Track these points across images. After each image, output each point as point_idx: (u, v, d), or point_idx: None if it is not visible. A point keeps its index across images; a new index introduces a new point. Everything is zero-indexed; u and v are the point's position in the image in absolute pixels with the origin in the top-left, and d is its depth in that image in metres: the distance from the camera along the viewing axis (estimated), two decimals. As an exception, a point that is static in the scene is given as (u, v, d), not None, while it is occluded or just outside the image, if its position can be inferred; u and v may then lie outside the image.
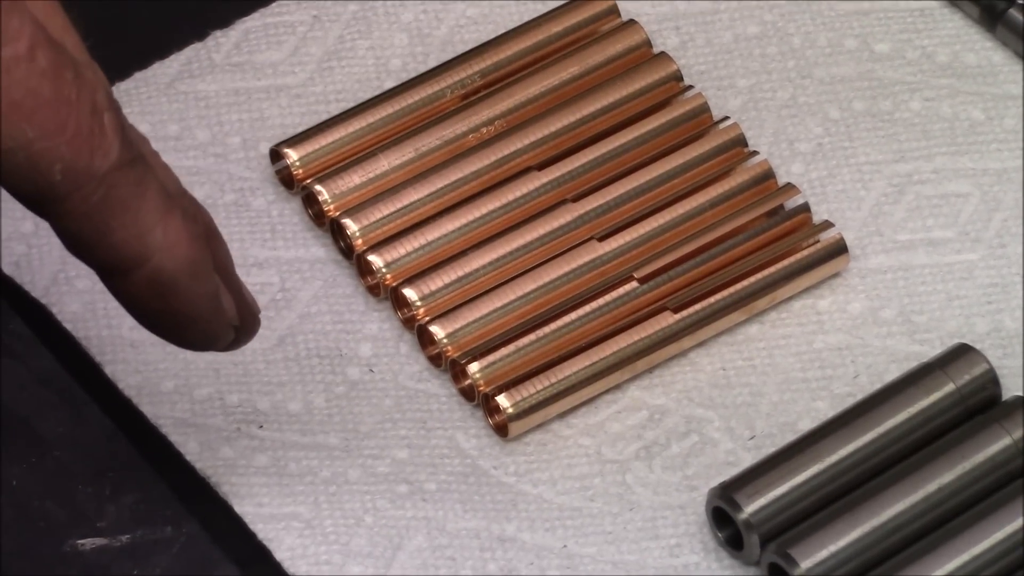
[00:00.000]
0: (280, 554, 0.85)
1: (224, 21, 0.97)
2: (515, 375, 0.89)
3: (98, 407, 0.88)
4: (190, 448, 0.87)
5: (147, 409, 0.88)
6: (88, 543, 0.85)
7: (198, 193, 0.91)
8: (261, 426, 0.88)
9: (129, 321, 0.86)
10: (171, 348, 0.86)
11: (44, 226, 0.86)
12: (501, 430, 0.89)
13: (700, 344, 0.91)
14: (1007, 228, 0.94)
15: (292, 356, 0.90)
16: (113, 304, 0.84)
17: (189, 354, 0.87)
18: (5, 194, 0.73)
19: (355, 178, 0.94)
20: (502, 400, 0.88)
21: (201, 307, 0.78)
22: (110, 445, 0.87)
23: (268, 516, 0.86)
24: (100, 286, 0.87)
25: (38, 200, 0.74)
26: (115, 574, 0.85)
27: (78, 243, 0.75)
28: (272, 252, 0.94)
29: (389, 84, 0.97)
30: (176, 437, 0.87)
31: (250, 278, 0.91)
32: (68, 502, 0.86)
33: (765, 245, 0.92)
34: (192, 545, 0.85)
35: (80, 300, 0.91)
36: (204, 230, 0.77)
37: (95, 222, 0.75)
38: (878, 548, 0.84)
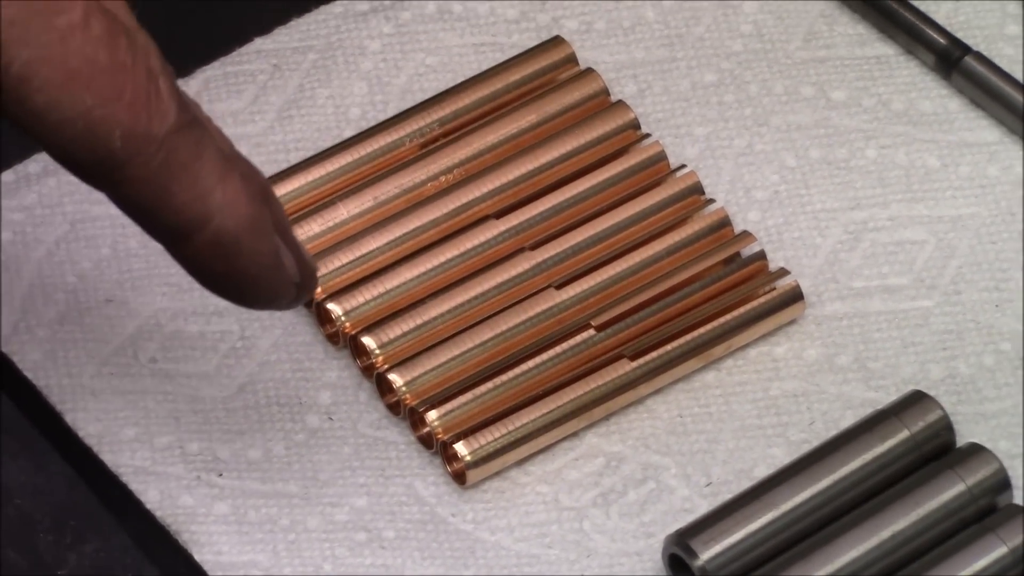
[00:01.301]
0: None
1: (184, 70, 0.97)
2: (473, 423, 0.90)
3: (59, 455, 0.89)
4: (150, 496, 0.88)
5: (107, 457, 0.88)
6: (58, 578, 0.86)
7: (154, 243, 0.91)
8: (221, 474, 0.88)
9: (90, 369, 0.88)
10: (131, 396, 0.87)
11: (4, 279, 0.87)
12: (459, 478, 0.89)
13: (657, 391, 0.92)
14: (962, 275, 0.95)
15: (252, 404, 0.91)
16: (73, 352, 0.85)
17: (150, 402, 0.88)
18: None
19: (314, 226, 0.94)
20: (460, 448, 0.88)
21: (263, 265, 0.78)
22: (71, 493, 0.88)
23: (228, 564, 0.86)
24: (60, 334, 0.88)
25: (98, 169, 0.74)
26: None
27: (139, 209, 0.76)
28: (231, 301, 0.93)
29: (349, 133, 0.98)
30: (136, 485, 0.88)
31: (210, 326, 0.92)
32: (30, 550, 0.87)
33: (721, 293, 0.93)
34: None
35: (40, 349, 0.91)
36: (260, 190, 0.77)
37: (156, 187, 0.74)
38: None
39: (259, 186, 0.78)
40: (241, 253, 0.76)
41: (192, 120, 0.75)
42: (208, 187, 0.75)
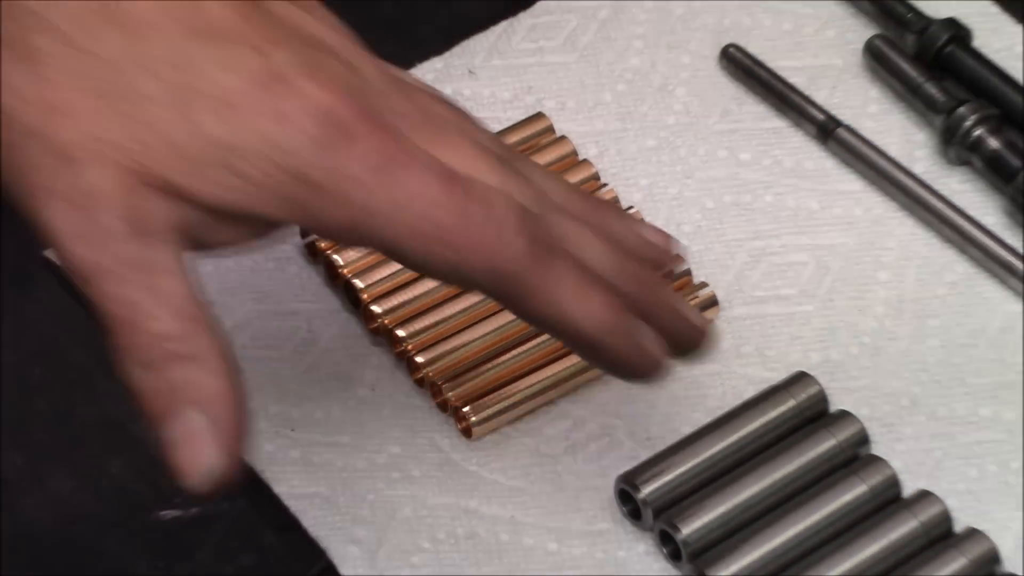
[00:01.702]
0: (306, 522, 0.85)
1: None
2: (477, 392, 0.90)
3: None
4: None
5: None
6: (167, 514, 0.87)
7: (247, 261, 0.93)
8: (293, 429, 0.89)
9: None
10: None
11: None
12: (467, 433, 0.90)
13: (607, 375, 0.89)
14: (834, 287, 0.95)
15: (316, 379, 0.91)
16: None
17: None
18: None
19: (361, 250, 0.93)
20: (468, 411, 0.90)
21: (626, 354, 0.73)
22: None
23: (298, 495, 0.87)
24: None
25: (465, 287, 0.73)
26: (186, 537, 0.85)
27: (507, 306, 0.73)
28: (301, 304, 0.94)
29: None
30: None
31: (285, 323, 0.92)
32: (154, 483, 0.87)
33: (659, 299, 0.93)
34: (242, 517, 0.87)
35: None
36: (613, 299, 0.72)
37: (520, 301, 0.71)
38: (739, 519, 0.86)
39: (613, 296, 0.72)
40: (604, 349, 0.72)
41: (544, 248, 0.69)
42: (564, 304, 0.70)
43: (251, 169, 0.66)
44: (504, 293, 0.71)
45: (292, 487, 0.87)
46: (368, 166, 0.66)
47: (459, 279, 0.71)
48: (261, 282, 0.84)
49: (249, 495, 0.87)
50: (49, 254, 0.93)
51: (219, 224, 0.68)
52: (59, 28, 0.65)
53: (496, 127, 0.99)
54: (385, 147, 0.67)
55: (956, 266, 0.96)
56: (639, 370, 0.76)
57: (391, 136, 0.68)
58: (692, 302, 0.93)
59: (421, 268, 0.71)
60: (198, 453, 0.67)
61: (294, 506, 0.86)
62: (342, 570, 0.84)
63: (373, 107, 0.68)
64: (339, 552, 0.85)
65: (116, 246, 0.65)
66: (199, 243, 0.68)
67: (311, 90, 0.66)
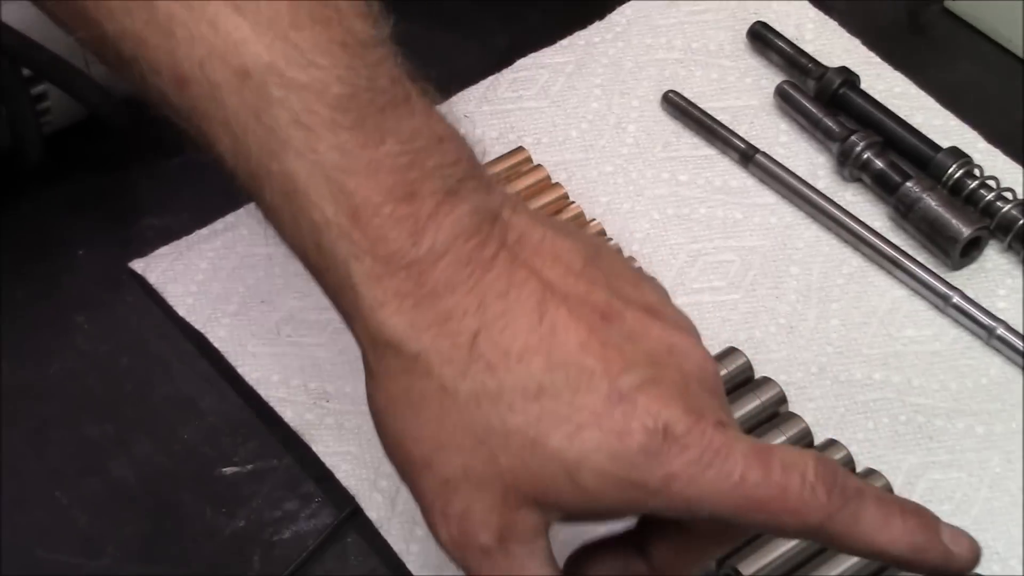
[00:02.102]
0: (339, 475, 0.83)
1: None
2: None
3: (234, 392, 0.87)
4: (287, 415, 0.85)
5: (262, 391, 0.86)
6: (228, 470, 0.84)
7: (291, 267, 0.90)
8: (328, 400, 0.86)
9: (253, 341, 0.86)
10: (277, 356, 0.85)
11: (207, 288, 0.85)
12: None
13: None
14: (756, 280, 0.93)
15: (347, 360, 0.87)
16: (244, 331, 0.82)
17: (287, 359, 0.86)
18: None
19: None
20: None
21: (939, 563, 0.64)
22: (241, 414, 0.86)
23: (332, 453, 0.84)
24: (236, 321, 0.86)
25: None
26: (243, 490, 0.84)
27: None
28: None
29: None
30: (279, 407, 0.86)
31: (322, 316, 0.89)
32: (217, 446, 0.85)
33: (617, 292, 0.91)
34: (289, 471, 0.84)
35: (224, 329, 0.89)
36: (919, 518, 0.64)
37: (826, 543, 0.64)
38: None
39: (918, 516, 0.64)
40: (915, 563, 0.64)
41: (843, 494, 0.62)
42: (870, 536, 0.62)
43: (590, 481, 0.60)
44: (815, 538, 0.64)
45: (327, 447, 0.84)
46: (690, 462, 0.60)
47: (774, 533, 0.67)
48: (302, 284, 0.81)
49: (293, 454, 0.85)
50: (134, 265, 0.91)
51: (580, 518, 0.63)
52: (433, 371, 0.61)
53: (485, 159, 0.95)
54: (708, 443, 0.60)
55: (852, 261, 0.94)
56: (951, 569, 0.66)
57: (712, 429, 0.61)
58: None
59: (737, 525, 0.64)
60: None
61: (329, 462, 0.83)
62: (368, 513, 0.82)
63: (698, 407, 0.62)
64: (365, 498, 0.82)
65: (487, 557, 0.62)
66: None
67: (651, 406, 0.60)
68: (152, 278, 0.91)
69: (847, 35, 1.04)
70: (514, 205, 0.63)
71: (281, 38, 0.59)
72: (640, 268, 0.67)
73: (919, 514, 0.64)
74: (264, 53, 0.59)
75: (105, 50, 0.62)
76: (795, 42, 1.02)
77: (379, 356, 0.62)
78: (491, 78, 1.02)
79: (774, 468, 0.61)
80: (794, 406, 0.86)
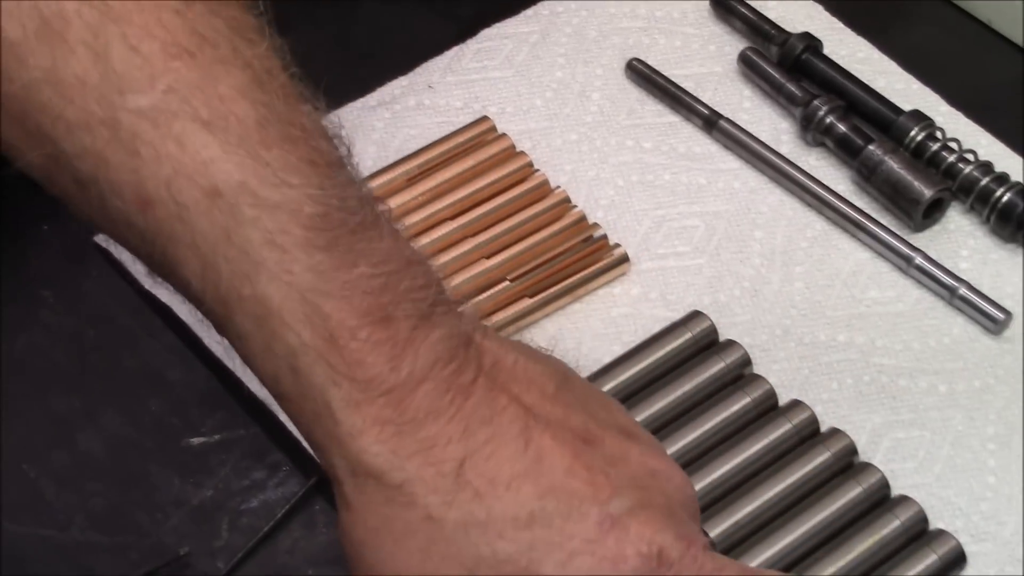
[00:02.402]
0: (305, 443, 0.80)
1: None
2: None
3: (201, 363, 0.87)
4: (254, 385, 0.82)
5: (228, 362, 0.85)
6: (195, 441, 0.85)
7: None
8: None
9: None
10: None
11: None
12: None
13: (546, 316, 0.90)
14: (721, 245, 0.93)
15: None
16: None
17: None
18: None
19: None
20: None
21: None
22: (208, 384, 0.87)
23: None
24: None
25: None
26: (211, 460, 0.84)
27: None
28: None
29: (365, 174, 0.93)
30: (245, 378, 0.82)
31: None
32: (184, 417, 0.85)
33: (583, 258, 0.91)
34: (256, 440, 0.85)
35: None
36: None
37: None
38: (648, 430, 0.81)
39: None
40: None
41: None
42: None
43: None
44: None
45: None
46: None
47: None
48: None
49: (260, 424, 0.85)
50: (99, 239, 0.91)
51: None
52: (418, 500, 0.58)
53: (450, 129, 0.97)
54: (700, 568, 0.60)
55: (815, 224, 0.94)
56: None
57: (703, 555, 0.61)
58: (608, 259, 0.91)
59: None
60: None
61: (295, 430, 0.79)
62: None
63: (686, 531, 0.61)
64: None
65: None
66: None
67: (644, 532, 0.59)
68: (117, 252, 0.90)
69: (810, 1, 1.04)
70: (483, 330, 0.62)
71: (252, 156, 0.57)
72: (603, 392, 0.69)
73: None
74: (235, 172, 0.57)
75: (59, 172, 0.60)
76: (758, 8, 1.02)
77: (358, 486, 0.59)
78: (456, 48, 1.02)
79: None
80: (759, 368, 0.86)
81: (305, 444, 0.78)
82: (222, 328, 0.61)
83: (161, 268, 0.61)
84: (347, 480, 0.60)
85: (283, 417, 0.80)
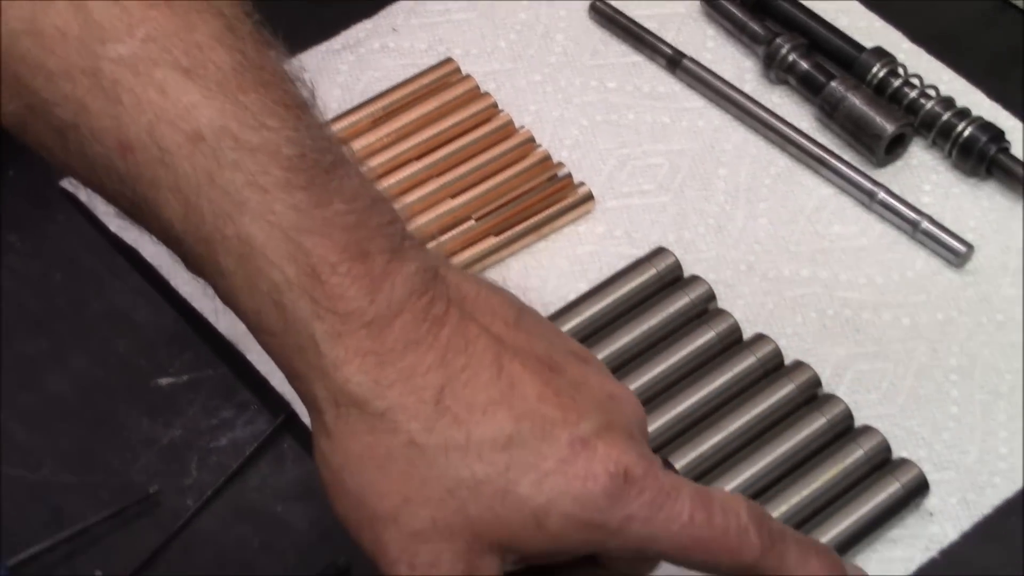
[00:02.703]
0: (274, 382, 0.83)
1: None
2: None
3: (168, 304, 0.87)
4: (221, 325, 0.86)
5: (195, 303, 0.87)
6: (164, 381, 0.85)
7: None
8: None
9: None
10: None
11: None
12: None
13: (512, 254, 0.90)
14: (685, 183, 0.93)
15: None
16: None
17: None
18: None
19: None
20: None
21: None
22: (176, 325, 0.87)
23: (267, 360, 0.78)
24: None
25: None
26: (180, 400, 0.84)
27: None
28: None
29: (331, 115, 0.94)
30: (213, 318, 0.86)
31: None
32: (152, 358, 0.86)
33: (548, 196, 0.91)
34: (224, 380, 0.85)
35: (158, 243, 0.87)
36: (830, 559, 0.67)
37: None
38: (613, 363, 0.84)
39: (828, 556, 0.67)
40: None
41: (771, 537, 0.65)
42: (793, 573, 0.65)
43: (555, 525, 0.62)
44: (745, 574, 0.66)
45: (261, 355, 0.78)
46: (646, 503, 0.63)
47: (711, 572, 0.67)
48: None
49: (227, 362, 0.85)
50: (65, 184, 0.91)
51: (523, 561, 0.65)
52: (400, 427, 0.61)
53: (414, 71, 0.97)
54: (660, 486, 0.63)
55: (779, 161, 0.94)
56: None
57: (662, 473, 0.64)
58: (574, 197, 0.91)
59: (677, 563, 0.67)
60: None
61: (264, 369, 0.83)
62: (303, 418, 0.80)
63: (646, 452, 0.65)
64: (301, 405, 0.81)
65: None
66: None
67: (611, 452, 0.62)
68: (83, 196, 0.90)
69: (772, -60, 1.04)
70: (446, 263, 0.65)
71: (231, 101, 0.59)
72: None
73: (829, 554, 0.68)
74: (216, 116, 0.59)
75: (35, 121, 0.61)
76: (720, -52, 1.02)
77: (341, 415, 0.62)
78: (419, -9, 1.02)
79: (715, 511, 0.64)
80: (723, 303, 0.87)
81: (273, 384, 0.81)
82: (201, 268, 0.62)
83: (139, 211, 0.62)
84: (329, 410, 0.62)
85: (251, 357, 0.83)
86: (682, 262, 0.88)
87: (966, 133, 0.92)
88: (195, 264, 0.62)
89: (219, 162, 0.59)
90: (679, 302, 0.86)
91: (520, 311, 0.66)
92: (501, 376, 0.62)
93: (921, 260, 0.89)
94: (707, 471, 0.80)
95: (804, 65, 0.96)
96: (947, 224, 0.90)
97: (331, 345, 0.61)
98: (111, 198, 0.63)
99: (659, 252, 0.88)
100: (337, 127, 0.93)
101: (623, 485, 0.62)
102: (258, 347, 0.80)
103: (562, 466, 0.62)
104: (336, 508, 0.64)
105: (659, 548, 0.64)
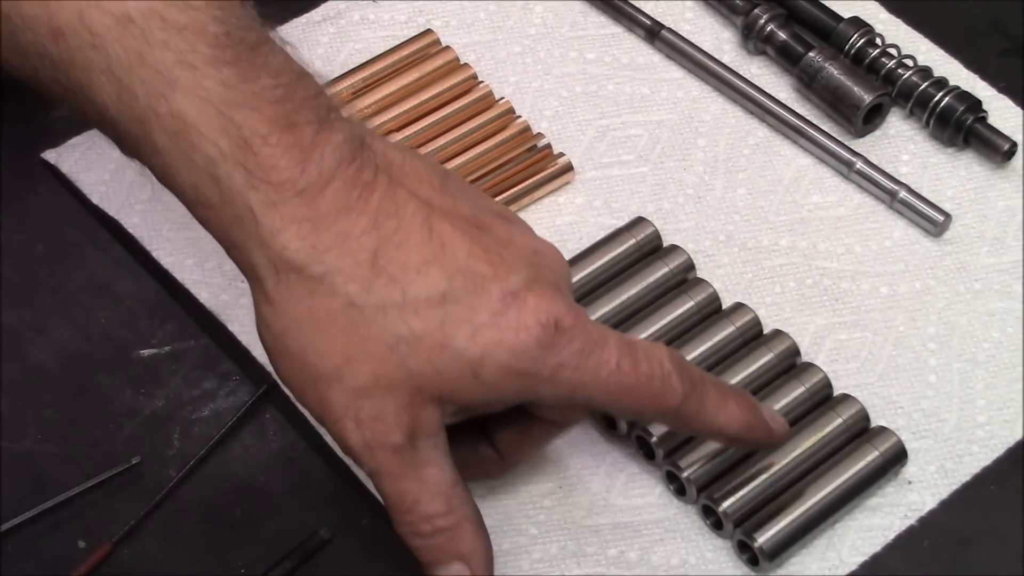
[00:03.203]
0: (256, 352, 0.83)
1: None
2: None
3: (150, 276, 0.87)
4: (203, 296, 0.86)
5: (177, 274, 0.87)
6: (146, 352, 0.85)
7: None
8: (243, 281, 0.80)
9: (167, 225, 0.86)
10: (192, 242, 0.85)
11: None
12: None
13: (492, 225, 0.90)
14: (664, 153, 0.93)
15: None
16: (159, 216, 0.83)
17: (201, 242, 0.85)
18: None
19: None
20: None
21: (759, 440, 0.74)
22: (158, 297, 0.87)
23: (249, 332, 0.81)
24: (152, 205, 0.86)
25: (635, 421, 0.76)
26: (161, 370, 0.84)
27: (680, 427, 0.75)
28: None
29: None
30: (194, 289, 0.86)
31: None
32: (135, 329, 0.86)
33: (528, 167, 0.91)
34: (207, 350, 0.85)
35: (139, 214, 0.89)
36: (747, 402, 0.74)
37: (677, 426, 0.74)
38: None
39: (745, 399, 0.74)
40: (746, 440, 0.74)
41: (691, 383, 0.70)
42: (712, 416, 0.71)
43: (491, 375, 0.66)
44: (670, 422, 0.74)
45: (244, 326, 0.84)
46: (576, 352, 0.67)
47: (636, 418, 0.75)
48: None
49: (210, 334, 0.85)
50: (46, 155, 0.91)
51: (472, 411, 0.69)
52: (339, 289, 0.65)
53: (394, 43, 0.97)
54: (588, 335, 0.68)
55: (757, 131, 0.94)
56: (772, 443, 0.76)
57: (589, 323, 0.68)
58: (554, 168, 0.91)
59: (608, 412, 0.75)
60: None
61: (245, 340, 0.84)
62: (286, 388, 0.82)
63: (574, 303, 0.69)
64: None
65: (397, 454, 0.66)
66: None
67: (540, 304, 0.66)
68: (65, 167, 0.90)
69: (750, -88, 1.04)
70: (371, 132, 0.68)
71: None
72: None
73: (746, 397, 0.73)
74: None
75: None
76: (699, -81, 1.02)
77: (281, 282, 0.65)
78: (399, -37, 1.02)
79: (640, 358, 0.68)
80: (703, 273, 0.87)
81: (255, 355, 0.81)
82: (137, 149, 0.65)
83: (74, 97, 0.65)
84: (269, 277, 0.65)
85: (233, 328, 0.83)
86: (661, 232, 0.88)
87: (943, 103, 0.92)
88: (131, 146, 0.65)
89: (148, 42, 0.62)
90: (658, 272, 0.86)
91: (445, 175, 0.69)
92: (431, 237, 0.66)
93: (899, 230, 0.90)
94: (686, 440, 0.80)
95: (782, 36, 0.96)
96: (925, 194, 0.90)
97: (267, 214, 0.64)
98: (46, 86, 0.65)
99: (638, 222, 0.88)
100: (317, 99, 0.93)
101: (554, 334, 0.66)
102: (240, 318, 0.83)
103: (495, 319, 0.65)
104: (280, 372, 0.67)
105: (588, 395, 0.68)
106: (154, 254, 0.87)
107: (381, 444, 0.66)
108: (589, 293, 0.85)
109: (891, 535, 0.79)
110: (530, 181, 0.90)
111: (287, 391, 0.68)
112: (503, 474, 0.77)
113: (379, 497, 0.68)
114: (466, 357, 0.65)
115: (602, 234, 0.88)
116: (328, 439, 0.72)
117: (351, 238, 0.64)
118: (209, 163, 0.63)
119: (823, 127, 0.93)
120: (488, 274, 0.66)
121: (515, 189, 0.90)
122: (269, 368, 0.80)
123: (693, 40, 0.97)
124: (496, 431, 0.74)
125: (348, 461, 0.70)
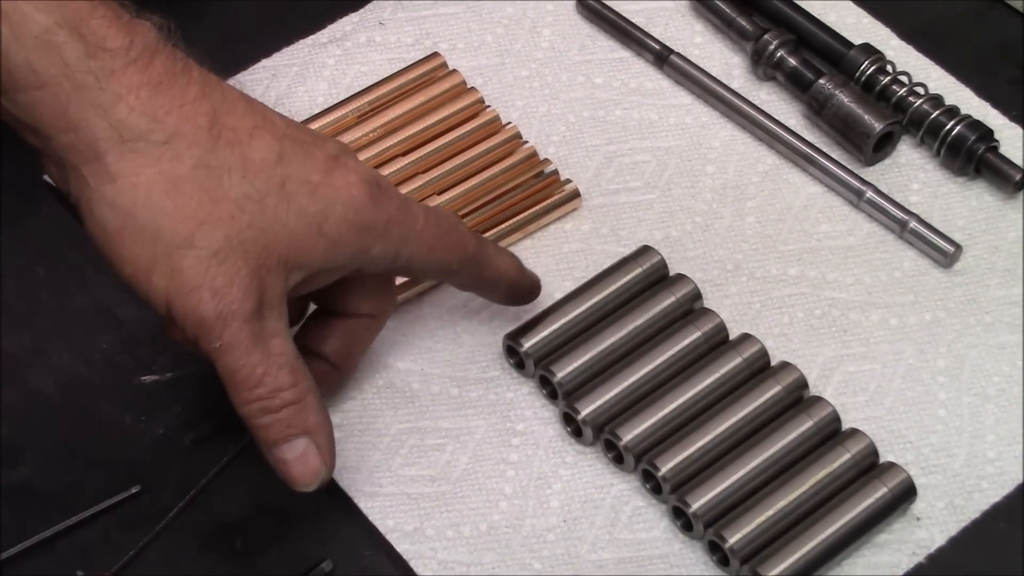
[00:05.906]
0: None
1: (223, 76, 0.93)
2: None
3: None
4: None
5: None
6: (148, 378, 0.84)
7: None
8: None
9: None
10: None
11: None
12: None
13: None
14: (672, 179, 0.92)
15: None
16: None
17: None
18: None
19: None
20: None
21: (527, 288, 0.82)
22: (159, 323, 0.83)
23: None
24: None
25: (445, 277, 0.80)
26: (163, 397, 0.83)
27: (471, 282, 0.81)
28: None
29: (317, 110, 0.94)
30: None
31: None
32: (135, 355, 0.84)
33: (534, 193, 0.90)
34: (208, 378, 0.80)
35: None
36: (513, 257, 0.82)
37: (475, 274, 0.79)
38: (603, 362, 0.83)
39: (511, 255, 0.82)
40: (520, 284, 0.82)
41: (475, 236, 0.79)
42: (498, 262, 0.80)
43: (334, 230, 0.71)
44: (472, 271, 0.79)
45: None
46: (398, 207, 0.74)
47: (446, 271, 0.78)
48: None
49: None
50: (47, 178, 0.88)
51: (309, 282, 0.72)
52: (183, 152, 0.68)
53: (401, 65, 0.95)
54: (398, 193, 0.75)
55: (767, 159, 0.93)
56: (536, 290, 0.84)
57: (396, 189, 0.76)
58: (560, 195, 0.90)
59: (426, 273, 0.80)
60: (308, 466, 0.72)
61: None
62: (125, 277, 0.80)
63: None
64: None
65: (247, 324, 0.69)
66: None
67: (357, 167, 0.73)
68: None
69: (760, -64, 1.03)
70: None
71: None
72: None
73: (510, 252, 0.82)
74: None
75: None
76: (708, -57, 1.01)
77: (125, 153, 0.67)
78: (406, -15, 1.01)
79: (438, 214, 0.76)
80: (710, 302, 0.86)
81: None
82: None
83: None
84: (112, 150, 0.67)
85: None
86: (668, 260, 0.86)
87: (955, 132, 0.90)
88: None
89: None
90: (665, 301, 0.84)
91: None
92: (253, 107, 0.71)
93: (909, 260, 0.88)
94: (693, 475, 0.78)
95: (792, 62, 0.94)
96: (935, 223, 0.88)
97: (108, 81, 0.67)
98: None
99: (645, 250, 0.86)
100: (324, 122, 0.92)
101: (378, 190, 0.72)
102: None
103: (327, 178, 0.71)
104: (125, 256, 0.69)
105: (411, 251, 0.74)
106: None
107: (235, 313, 0.68)
108: (596, 322, 0.84)
109: (900, 572, 0.77)
110: (536, 208, 0.89)
111: (127, 279, 0.69)
112: (340, 385, 0.80)
113: (226, 382, 0.70)
114: (310, 212, 0.70)
115: (609, 262, 0.87)
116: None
117: (187, 102, 0.68)
118: (44, 32, 0.65)
119: (833, 155, 0.92)
120: (308, 140, 0.72)
121: (521, 216, 0.88)
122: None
123: (702, 65, 0.96)
124: (324, 345, 0.77)
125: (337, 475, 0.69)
